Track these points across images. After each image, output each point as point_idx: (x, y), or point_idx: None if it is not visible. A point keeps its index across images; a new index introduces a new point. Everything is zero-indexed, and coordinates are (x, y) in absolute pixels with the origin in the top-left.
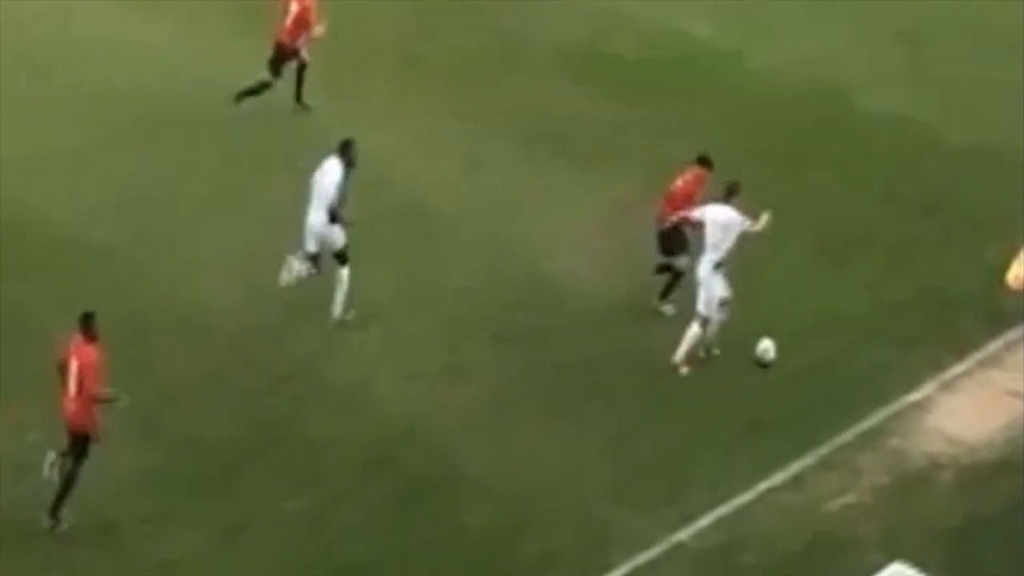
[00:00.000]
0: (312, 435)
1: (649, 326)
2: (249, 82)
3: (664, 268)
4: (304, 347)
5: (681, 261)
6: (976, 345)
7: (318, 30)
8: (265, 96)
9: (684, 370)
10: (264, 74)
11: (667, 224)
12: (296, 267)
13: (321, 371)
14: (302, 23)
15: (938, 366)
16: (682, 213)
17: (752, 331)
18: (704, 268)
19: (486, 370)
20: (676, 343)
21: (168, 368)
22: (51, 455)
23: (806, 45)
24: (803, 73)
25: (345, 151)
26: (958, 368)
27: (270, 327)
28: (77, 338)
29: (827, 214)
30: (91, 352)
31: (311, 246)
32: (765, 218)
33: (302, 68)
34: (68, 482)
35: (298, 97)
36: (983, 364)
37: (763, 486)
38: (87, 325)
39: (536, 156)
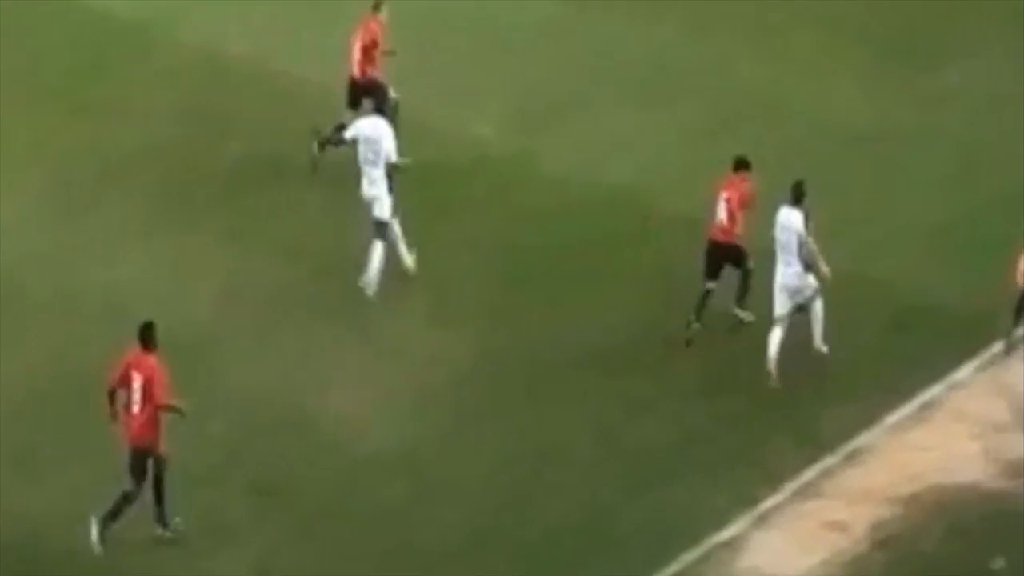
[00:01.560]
0: None
1: (435, 467)
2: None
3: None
4: (44, 506)
5: (710, 285)
6: (790, 474)
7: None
8: None
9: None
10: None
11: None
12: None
13: (65, 534)
14: (371, 53)
15: (749, 499)
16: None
17: (531, 469)
18: (787, 275)
19: (252, 530)
20: (469, 485)
21: None
22: (95, 524)
23: (601, 148)
24: (598, 177)
25: (381, 105)
26: (771, 500)
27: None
28: (135, 351)
29: (622, 334)
30: (153, 362)
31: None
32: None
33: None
34: (159, 494)
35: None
36: (798, 494)
37: None
38: (146, 335)
39: (300, 279)
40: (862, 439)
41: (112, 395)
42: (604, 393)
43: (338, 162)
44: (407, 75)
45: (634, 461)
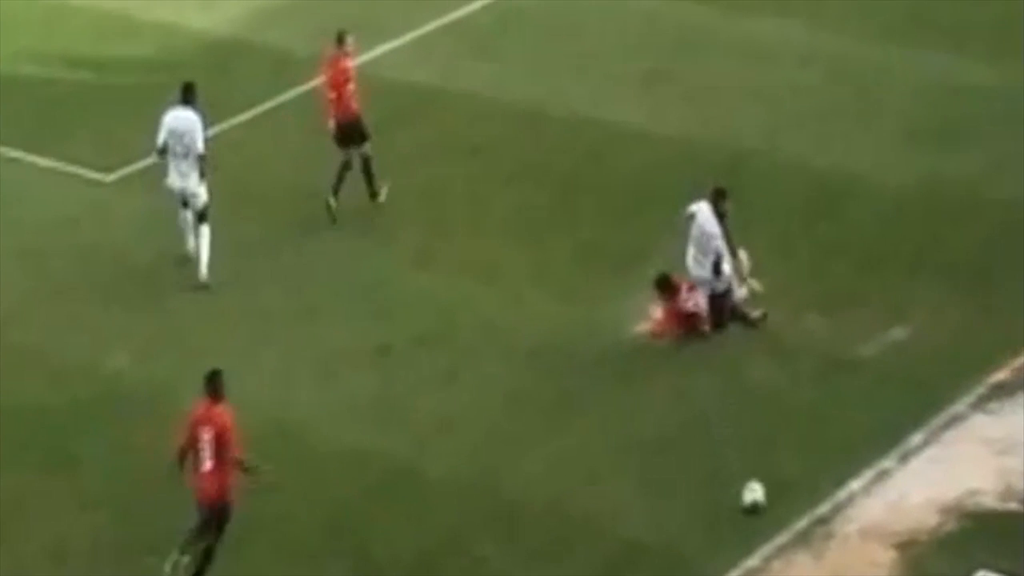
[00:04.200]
0: None
1: None
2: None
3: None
4: None
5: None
6: None
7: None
8: None
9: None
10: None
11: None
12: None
13: None
14: (346, 90)
15: None
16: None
17: None
18: (699, 273)
19: None
20: None
21: None
22: (174, 555)
23: (255, 380)
24: (255, 411)
25: (189, 96)
26: None
27: None
28: (203, 403)
29: None
30: (223, 413)
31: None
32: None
33: (350, 166)
34: (205, 560)
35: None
36: None
37: None
38: (214, 384)
39: None
40: None
41: (182, 458)
42: None
43: None
44: None
45: None
